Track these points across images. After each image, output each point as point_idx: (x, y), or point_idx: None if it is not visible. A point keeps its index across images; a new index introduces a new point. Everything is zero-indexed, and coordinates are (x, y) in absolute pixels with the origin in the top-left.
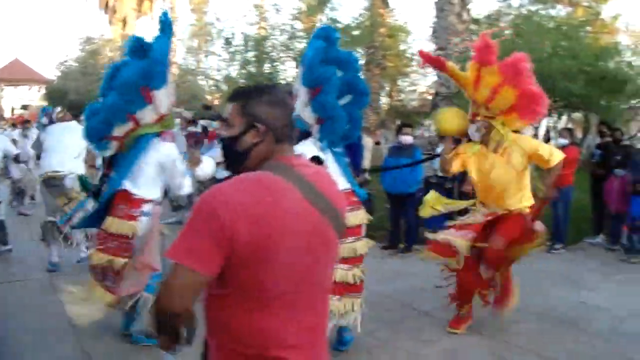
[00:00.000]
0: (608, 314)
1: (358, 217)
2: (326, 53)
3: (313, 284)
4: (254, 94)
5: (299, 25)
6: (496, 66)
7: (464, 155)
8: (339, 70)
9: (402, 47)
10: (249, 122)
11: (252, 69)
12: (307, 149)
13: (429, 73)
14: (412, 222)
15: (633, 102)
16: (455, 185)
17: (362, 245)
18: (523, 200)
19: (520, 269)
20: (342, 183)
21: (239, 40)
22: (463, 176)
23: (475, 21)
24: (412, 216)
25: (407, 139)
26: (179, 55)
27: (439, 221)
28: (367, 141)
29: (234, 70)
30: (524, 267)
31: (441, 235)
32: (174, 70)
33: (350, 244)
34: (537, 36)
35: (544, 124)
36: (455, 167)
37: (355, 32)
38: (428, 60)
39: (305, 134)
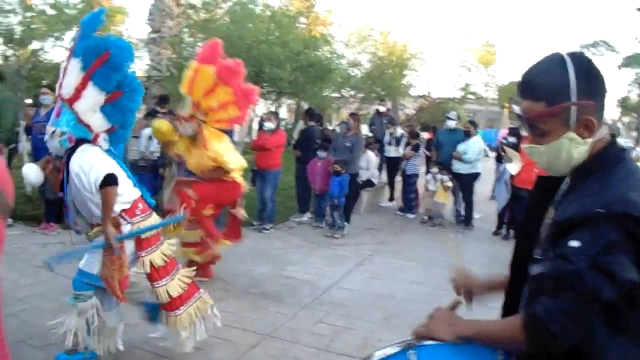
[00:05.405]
0: (312, 286)
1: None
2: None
3: None
4: None
5: None
6: (212, 69)
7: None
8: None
9: (120, 28)
10: None
11: None
12: (100, 158)
13: (142, 55)
14: None
15: (344, 91)
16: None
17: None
18: None
19: (228, 250)
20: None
21: None
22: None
23: (192, 6)
24: None
25: None
26: None
27: None
28: None
29: None
30: (232, 247)
31: None
32: None
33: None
34: (251, 23)
35: (255, 109)
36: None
37: (70, 12)
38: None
39: (81, 141)
